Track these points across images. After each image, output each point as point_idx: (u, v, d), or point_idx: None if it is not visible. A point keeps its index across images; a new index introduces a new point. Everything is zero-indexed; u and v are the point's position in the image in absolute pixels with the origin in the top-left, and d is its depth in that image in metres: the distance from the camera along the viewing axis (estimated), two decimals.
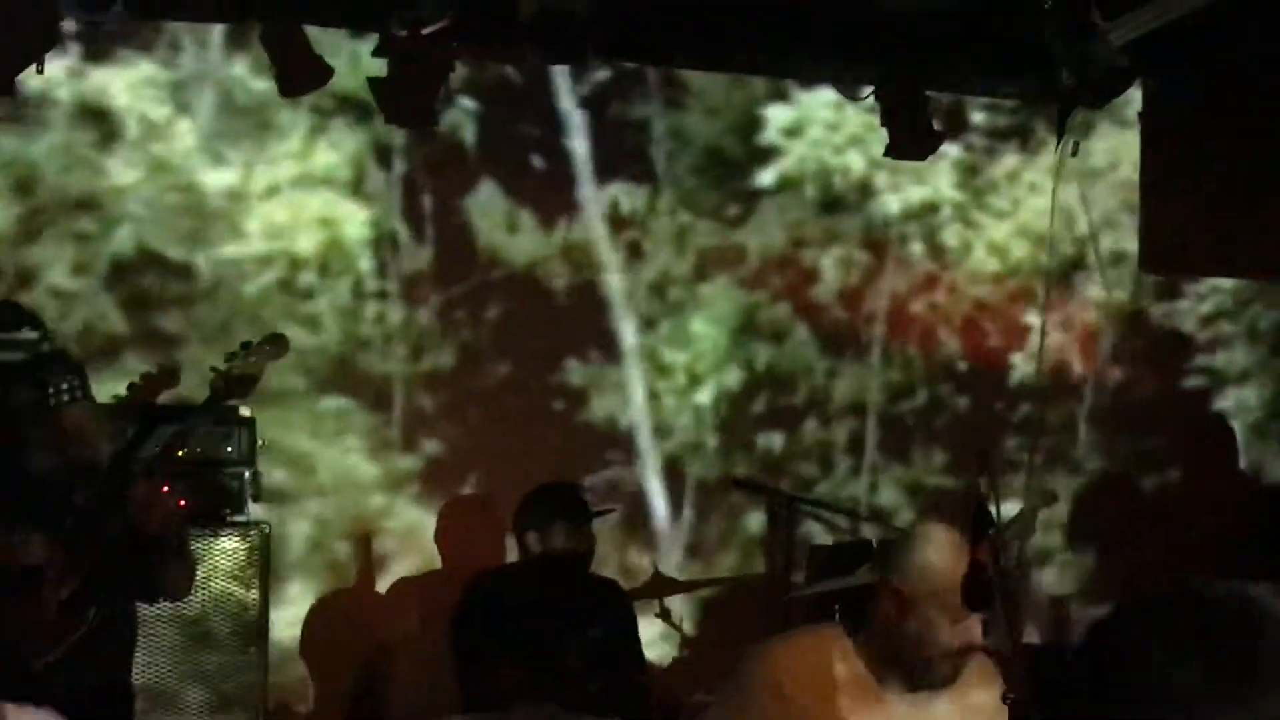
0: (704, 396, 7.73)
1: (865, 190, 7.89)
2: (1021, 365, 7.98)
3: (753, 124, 7.76)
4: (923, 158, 7.22)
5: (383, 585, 7.16)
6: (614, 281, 7.60)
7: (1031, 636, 7.18)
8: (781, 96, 7.76)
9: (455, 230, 7.41)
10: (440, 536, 7.09)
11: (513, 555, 6.40)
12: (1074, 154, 6.61)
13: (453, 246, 7.39)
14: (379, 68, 6.51)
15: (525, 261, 7.49)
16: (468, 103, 7.32)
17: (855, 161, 7.85)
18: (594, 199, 7.60)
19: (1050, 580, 7.90)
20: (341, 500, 7.23)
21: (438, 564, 7.13)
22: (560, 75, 7.39)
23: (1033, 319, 7.83)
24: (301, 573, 7.12)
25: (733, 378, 7.77)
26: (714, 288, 7.76)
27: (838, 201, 7.87)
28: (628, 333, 7.61)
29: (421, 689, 6.51)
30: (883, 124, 7.03)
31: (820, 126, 7.82)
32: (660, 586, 6.36)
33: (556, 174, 7.53)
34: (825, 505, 6.63)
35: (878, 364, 7.94)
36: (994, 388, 8.00)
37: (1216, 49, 6.34)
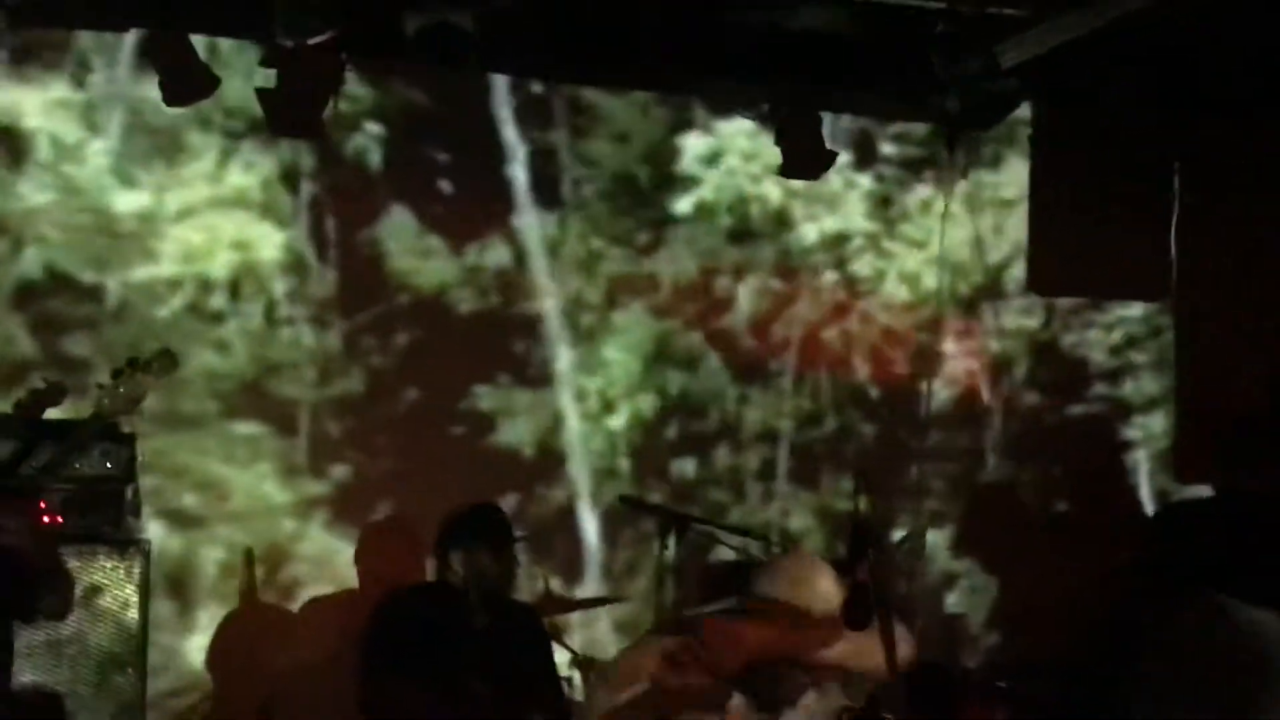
0: (617, 422, 7.74)
1: (780, 220, 7.93)
2: (932, 392, 8.02)
3: (666, 152, 7.79)
4: (816, 176, 7.27)
5: (290, 609, 7.13)
6: (548, 306, 7.61)
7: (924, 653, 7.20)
8: (691, 124, 7.80)
9: (364, 255, 7.42)
10: (359, 558, 7.06)
11: (431, 577, 6.37)
12: (964, 175, 6.68)
13: (362, 271, 7.39)
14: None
15: (434, 287, 7.50)
16: (374, 128, 7.34)
17: (772, 191, 7.89)
18: (508, 224, 7.62)
19: (951, 601, 7.92)
20: (254, 525, 7.19)
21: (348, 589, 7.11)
22: (482, 97, 7.42)
23: (942, 346, 7.88)
24: (214, 598, 7.08)
25: (646, 404, 7.79)
26: (626, 315, 7.78)
27: (751, 231, 7.90)
28: (562, 358, 7.62)
29: (322, 713, 6.48)
30: (776, 144, 7.08)
31: (737, 155, 7.86)
32: (552, 605, 6.34)
33: (466, 198, 7.54)
34: (716, 525, 6.61)
35: (789, 391, 7.97)
36: (903, 415, 8.04)
37: (1105, 72, 6.42)
